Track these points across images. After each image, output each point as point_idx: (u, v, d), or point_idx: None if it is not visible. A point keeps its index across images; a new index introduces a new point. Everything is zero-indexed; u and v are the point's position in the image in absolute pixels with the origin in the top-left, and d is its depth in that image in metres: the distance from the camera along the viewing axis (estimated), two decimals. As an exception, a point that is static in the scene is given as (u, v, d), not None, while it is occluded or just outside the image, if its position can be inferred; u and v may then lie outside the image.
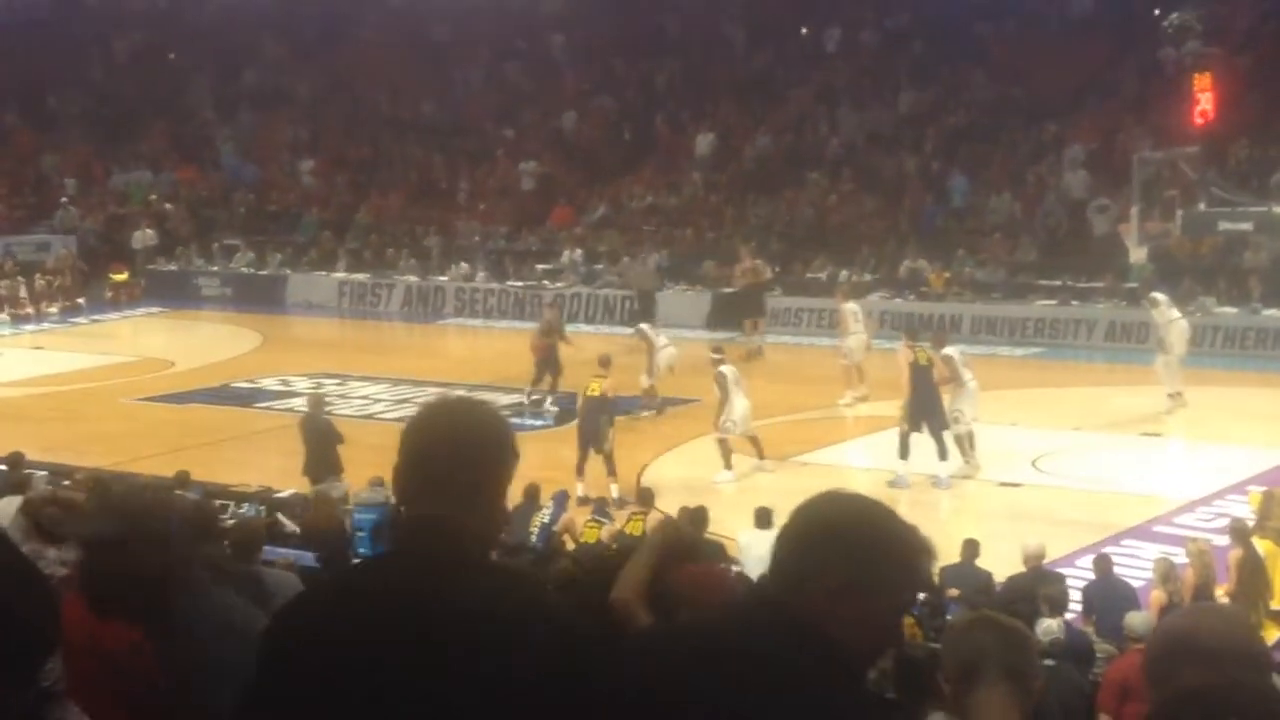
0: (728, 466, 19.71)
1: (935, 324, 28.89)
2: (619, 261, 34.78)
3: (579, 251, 36.15)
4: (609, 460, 19.10)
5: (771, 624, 2.91)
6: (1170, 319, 22.84)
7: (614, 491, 18.55)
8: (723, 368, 20.42)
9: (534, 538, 15.92)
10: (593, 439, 19.19)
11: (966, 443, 19.67)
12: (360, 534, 16.37)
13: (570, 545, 15.80)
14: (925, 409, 19.38)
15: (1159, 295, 23.49)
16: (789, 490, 18.44)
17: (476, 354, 32.17)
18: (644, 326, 25.02)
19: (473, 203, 40.58)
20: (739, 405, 19.95)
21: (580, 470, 19.01)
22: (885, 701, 3.13)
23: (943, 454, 19.31)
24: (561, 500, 16.82)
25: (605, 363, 20.49)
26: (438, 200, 41.22)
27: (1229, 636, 3.30)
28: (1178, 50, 35.12)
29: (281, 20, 47.41)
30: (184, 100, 46.89)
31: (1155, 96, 32.82)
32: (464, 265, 36.92)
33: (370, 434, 20.54)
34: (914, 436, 19.40)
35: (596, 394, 19.56)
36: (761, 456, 20.09)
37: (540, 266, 36.45)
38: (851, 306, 25.09)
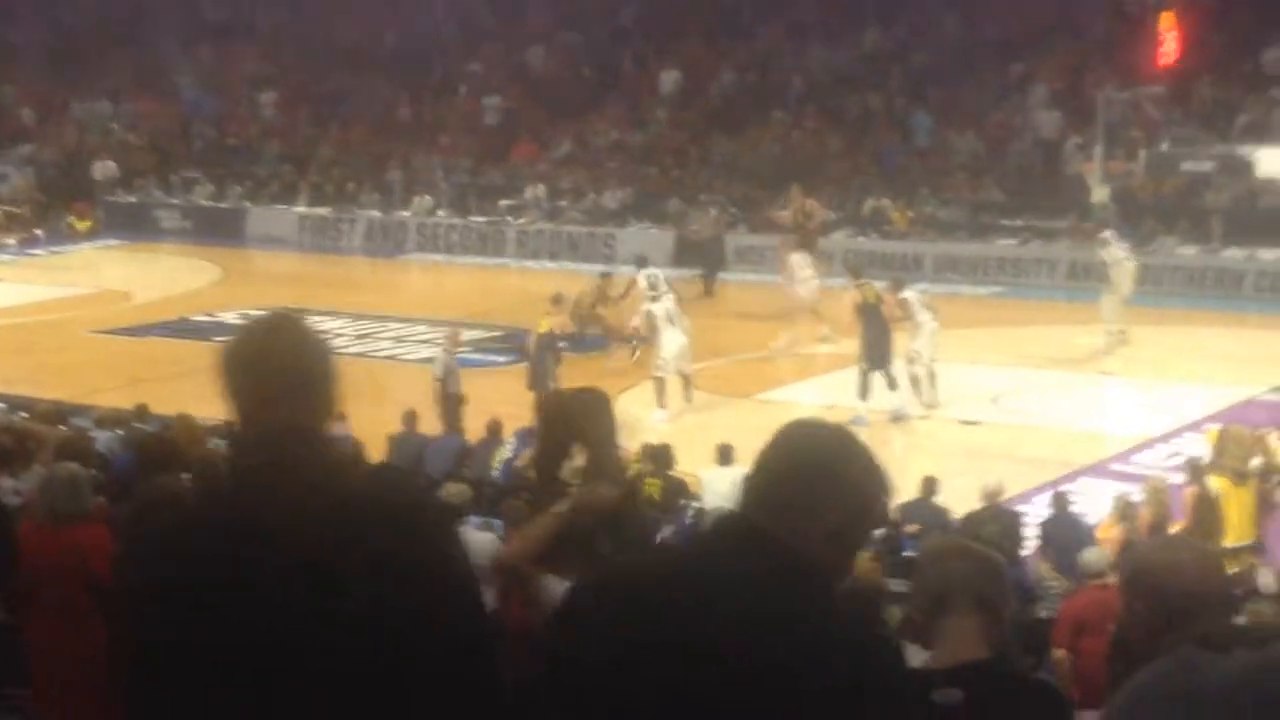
0: (661, 405, 19.69)
1: (898, 263, 29.00)
2: (676, 212, 33.38)
3: (542, 187, 36.02)
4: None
5: (789, 570, 2.87)
6: (1117, 258, 22.93)
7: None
8: (652, 306, 20.48)
9: (496, 473, 15.93)
10: (539, 377, 19.28)
11: (926, 381, 19.75)
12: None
13: (534, 478, 15.79)
14: (877, 345, 19.46)
15: (1108, 234, 23.58)
16: (751, 427, 18.49)
17: (439, 289, 32.07)
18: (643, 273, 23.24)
19: (435, 137, 40.34)
20: (670, 343, 19.95)
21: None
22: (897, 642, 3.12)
23: (892, 385, 19.44)
24: (524, 437, 16.80)
25: (557, 299, 20.67)
26: (400, 134, 40.94)
27: (1203, 579, 3.35)
28: (1144, -10, 35.17)
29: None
30: (144, 32, 46.35)
31: (1121, 36, 32.80)
32: (427, 199, 36.75)
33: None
34: (873, 375, 19.47)
35: (544, 330, 19.73)
36: (688, 399, 20.06)
37: (503, 202, 36.32)
38: (798, 257, 25.06)
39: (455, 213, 36.39)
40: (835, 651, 2.75)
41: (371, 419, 17.55)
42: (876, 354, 19.45)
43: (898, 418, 19.40)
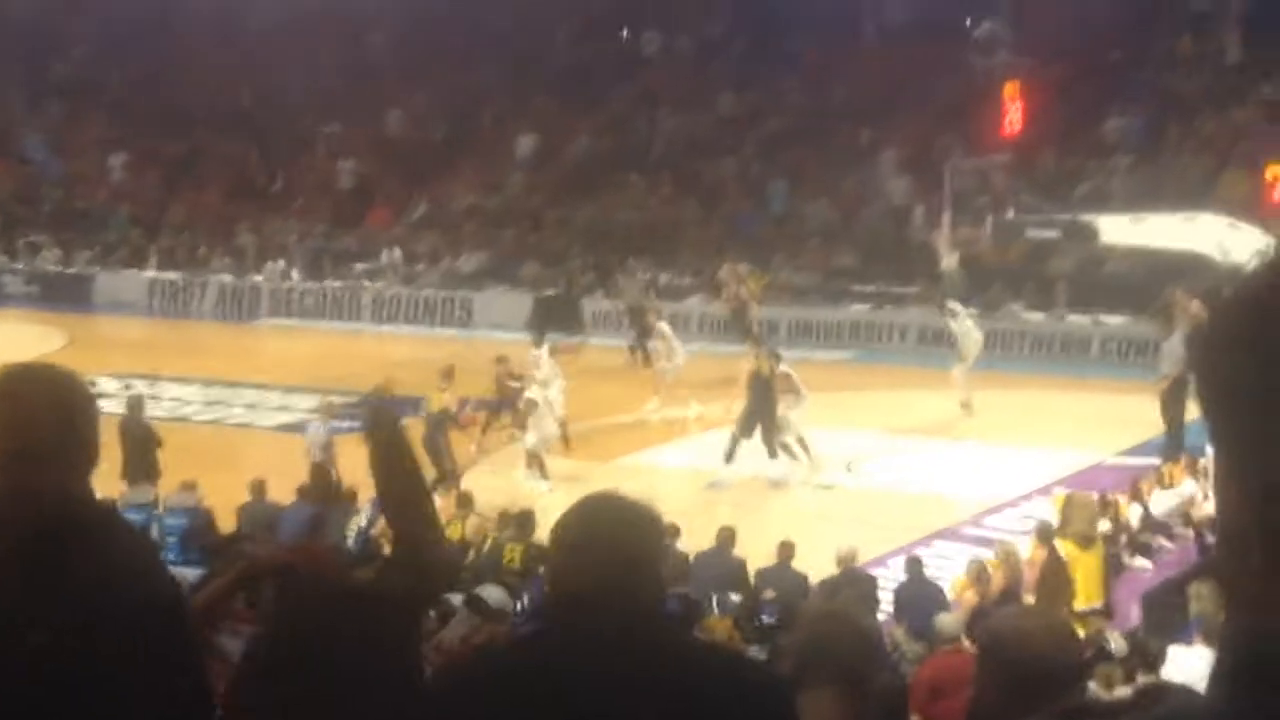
0: (545, 477, 19.66)
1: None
2: (606, 276, 32.69)
3: (398, 251, 35.85)
4: (448, 480, 18.41)
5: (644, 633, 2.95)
6: (965, 329, 23.29)
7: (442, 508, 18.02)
8: (542, 388, 20.25)
9: (350, 541, 15.73)
10: (434, 456, 18.45)
11: (799, 446, 19.93)
12: (170, 539, 16.04)
13: (388, 549, 15.61)
14: (759, 416, 19.59)
15: (955, 304, 23.94)
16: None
17: (292, 355, 31.68)
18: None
19: (289, 201, 40.00)
20: (552, 425, 19.99)
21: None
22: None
23: (772, 454, 19.59)
24: (379, 505, 16.59)
25: (447, 374, 20.02)
26: (253, 198, 40.54)
27: (1054, 649, 3.39)
28: (988, 59, 35.99)
29: (94, 10, 46.20)
30: (-11, 91, 45.51)
31: (967, 105, 33.51)
32: (280, 264, 36.37)
33: (181, 436, 20.17)
34: (744, 442, 19.58)
35: (435, 409, 19.20)
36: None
37: (359, 266, 36.07)
38: (664, 327, 25.15)
39: (309, 277, 36.05)
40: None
41: (221, 487, 17.29)
42: (756, 423, 19.57)
43: (779, 484, 19.52)
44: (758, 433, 19.63)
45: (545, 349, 21.46)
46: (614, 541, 3.02)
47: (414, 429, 20.59)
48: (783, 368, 20.31)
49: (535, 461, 19.75)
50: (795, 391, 20.05)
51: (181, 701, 2.95)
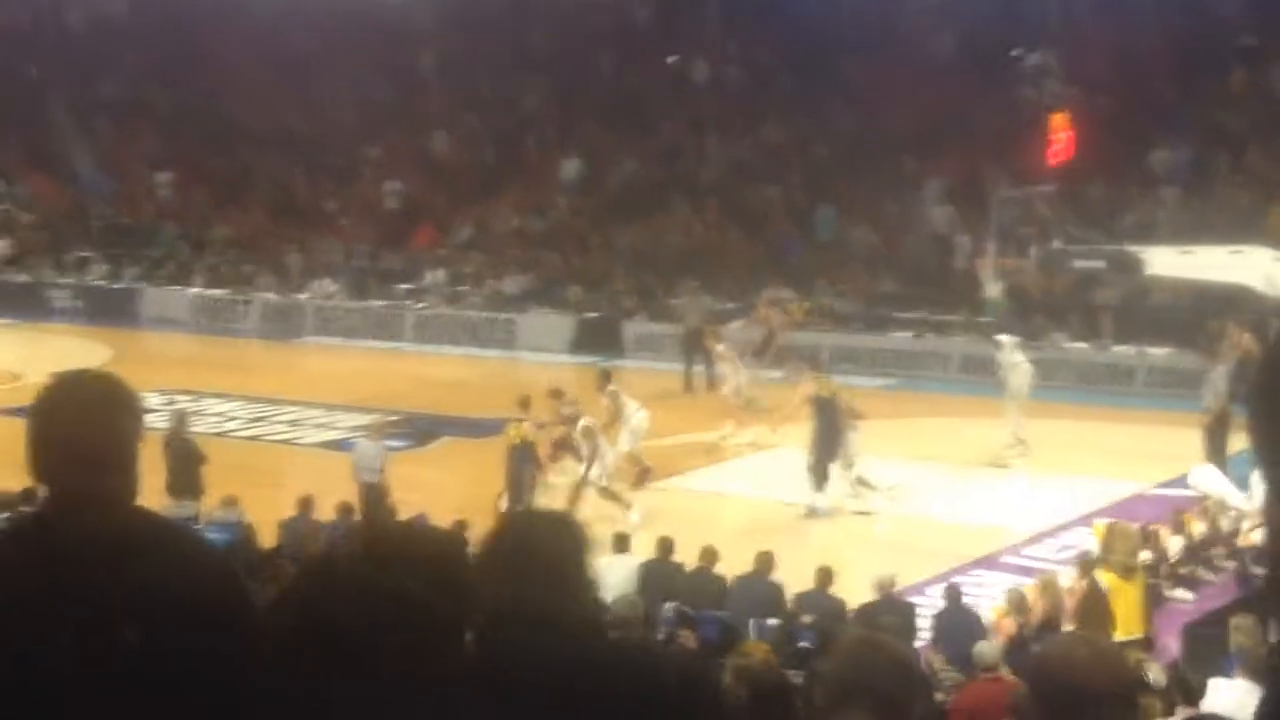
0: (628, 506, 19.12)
1: (795, 353, 29.23)
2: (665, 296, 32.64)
3: (442, 272, 35.99)
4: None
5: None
6: (1014, 362, 23.05)
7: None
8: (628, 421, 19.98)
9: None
10: (517, 492, 18.17)
11: (868, 476, 19.81)
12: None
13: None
14: (826, 439, 19.43)
15: (1004, 338, 23.74)
16: (650, 514, 18.56)
17: (334, 373, 31.82)
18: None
19: (335, 220, 40.22)
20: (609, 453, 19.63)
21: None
22: None
23: (820, 485, 19.43)
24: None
25: (525, 404, 19.50)
26: (299, 217, 40.77)
27: (1101, 679, 3.37)
28: (1036, 90, 35.89)
29: (142, 31, 46.64)
30: (39, 110, 45.91)
31: (1014, 135, 33.42)
32: (325, 282, 36.56)
33: (223, 452, 20.27)
34: (827, 465, 19.41)
35: (518, 442, 18.64)
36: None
37: (403, 286, 36.22)
38: (723, 348, 25.10)
39: (354, 296, 36.22)
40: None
41: (264, 502, 17.39)
42: (827, 447, 19.40)
43: (816, 513, 19.38)
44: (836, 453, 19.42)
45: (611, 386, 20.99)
46: (533, 554, 3.05)
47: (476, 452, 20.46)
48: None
49: (607, 494, 19.11)
50: (855, 415, 19.96)
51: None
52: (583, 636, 3.06)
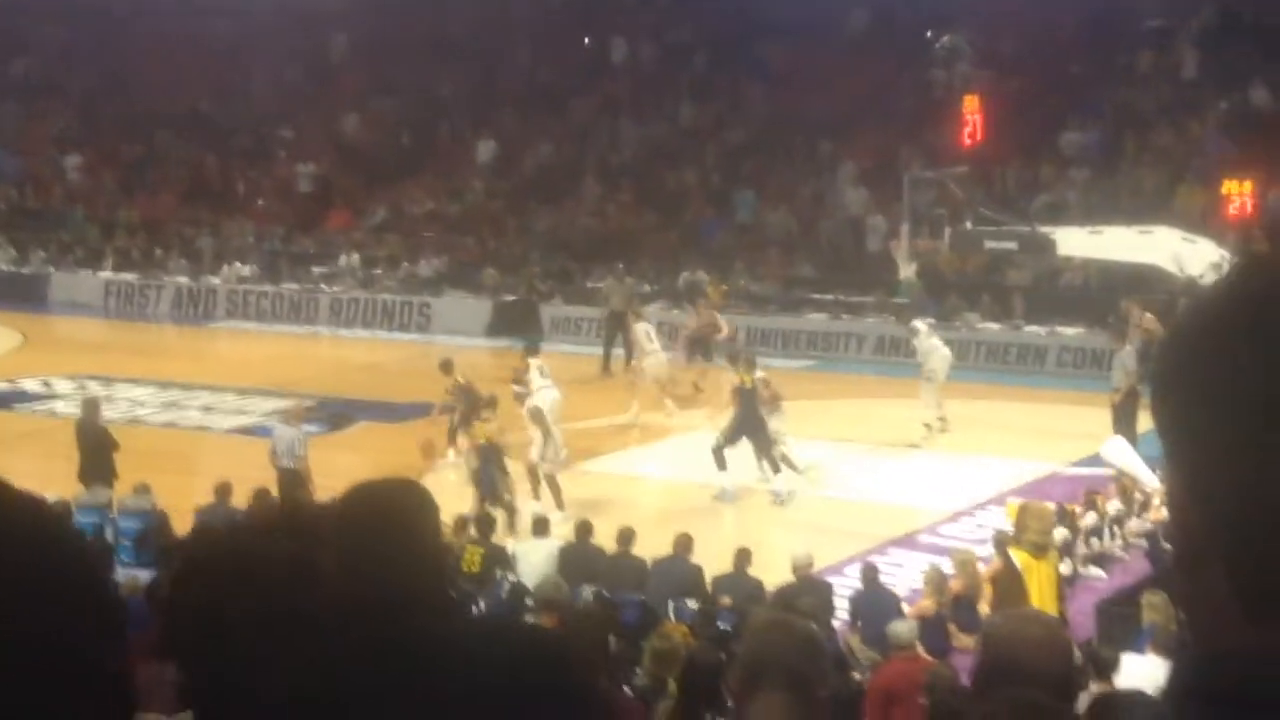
0: (537, 497, 18.74)
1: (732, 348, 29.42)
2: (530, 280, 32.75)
3: (356, 256, 35.76)
4: (510, 513, 17.69)
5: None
6: (932, 346, 23.19)
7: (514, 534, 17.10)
8: (540, 398, 19.54)
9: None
10: (489, 492, 17.83)
11: (792, 457, 19.90)
12: (125, 542, 15.96)
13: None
14: (747, 429, 19.54)
15: (919, 324, 23.84)
16: (570, 499, 18.55)
17: (248, 357, 31.53)
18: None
19: (248, 203, 39.86)
20: (557, 436, 19.43)
21: (511, 524, 17.53)
22: None
23: (775, 468, 19.56)
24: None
25: (491, 404, 19.12)
26: (211, 200, 40.37)
27: (1050, 658, 3.41)
28: (949, 72, 36.16)
29: (53, 11, 45.92)
30: (-55, 90, 45.17)
31: (928, 117, 33.68)
32: (238, 266, 36.22)
33: (136, 439, 20.04)
34: (729, 450, 19.48)
35: (484, 441, 18.23)
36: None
37: (317, 270, 35.95)
38: (644, 326, 25.09)
39: (267, 280, 35.91)
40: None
41: (178, 489, 17.22)
42: (742, 434, 19.51)
43: (780, 500, 19.41)
44: (741, 442, 19.54)
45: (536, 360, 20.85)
46: (373, 529, 2.85)
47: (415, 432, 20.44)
48: (759, 374, 20.24)
49: (550, 480, 18.83)
50: (777, 399, 20.04)
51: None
52: (444, 616, 2.92)
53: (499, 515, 17.05)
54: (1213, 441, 1.16)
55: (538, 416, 19.22)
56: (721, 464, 19.38)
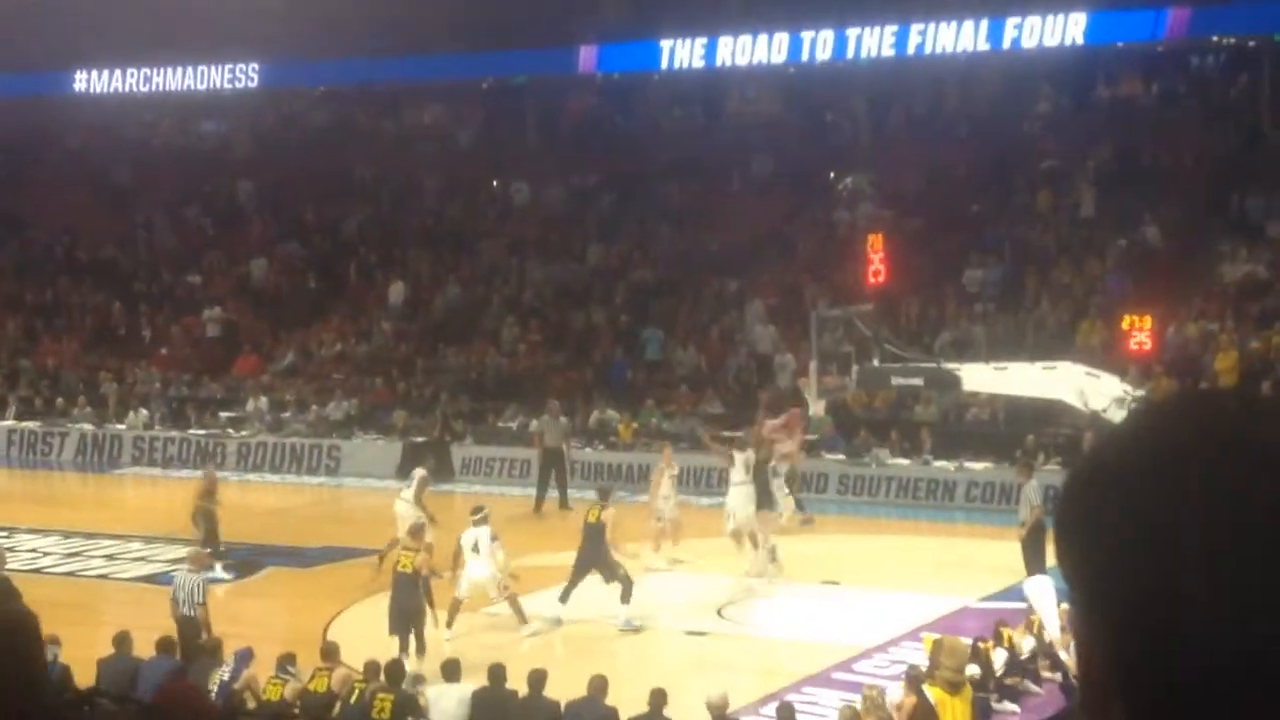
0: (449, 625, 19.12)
1: (624, 473, 29.42)
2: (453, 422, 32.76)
3: (265, 399, 35.51)
4: (420, 638, 18.08)
5: None
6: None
7: (421, 667, 17.16)
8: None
9: (213, 695, 15.36)
10: (413, 617, 18.11)
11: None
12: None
13: (252, 703, 15.31)
14: (591, 562, 19.87)
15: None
16: (479, 642, 18.35)
17: (153, 504, 31.10)
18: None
19: (153, 349, 39.56)
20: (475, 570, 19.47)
21: (405, 650, 17.77)
22: None
23: (625, 596, 19.72)
24: (244, 657, 16.29)
25: (416, 533, 19.29)
26: (116, 347, 40.05)
27: None
28: (852, 213, 36.79)
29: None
30: None
31: (832, 255, 34.16)
32: (143, 413, 35.84)
33: (38, 588, 19.62)
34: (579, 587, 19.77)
35: (409, 570, 18.35)
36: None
37: (224, 414, 35.64)
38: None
39: (173, 425, 35.54)
40: None
41: (81, 640, 16.85)
42: (588, 567, 19.88)
43: (633, 628, 19.48)
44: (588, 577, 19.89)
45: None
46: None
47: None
48: (609, 510, 20.28)
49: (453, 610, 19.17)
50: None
51: None
52: None
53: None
54: (1115, 582, 1.18)
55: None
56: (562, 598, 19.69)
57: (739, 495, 22.20)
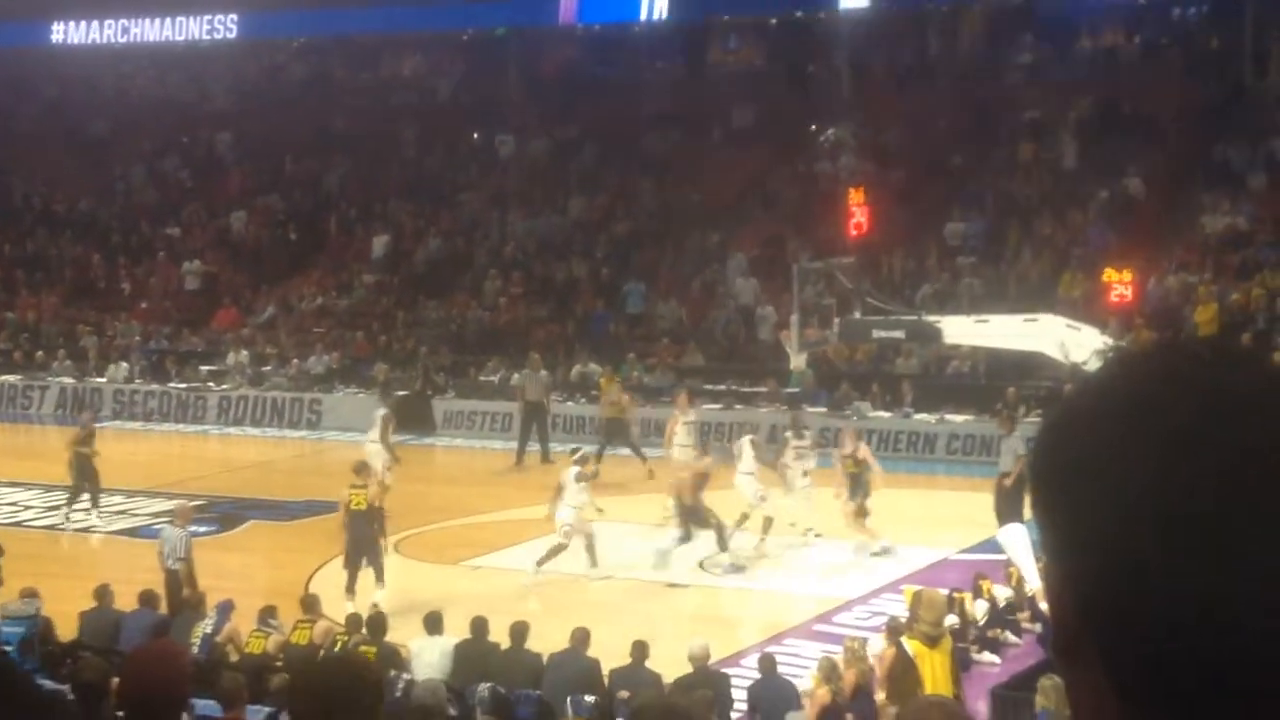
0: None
1: (605, 426, 29.42)
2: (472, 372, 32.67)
3: (245, 353, 35.41)
4: (378, 570, 18.58)
5: None
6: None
7: (382, 601, 17.95)
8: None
9: (196, 648, 15.37)
10: (368, 552, 18.54)
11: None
12: (8, 647, 15.56)
13: (235, 656, 15.33)
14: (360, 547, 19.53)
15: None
16: (461, 594, 18.41)
17: (133, 458, 31.02)
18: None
19: (133, 302, 39.42)
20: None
21: (351, 589, 18.25)
22: None
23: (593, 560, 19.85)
24: (225, 609, 16.32)
25: (361, 470, 19.69)
26: (96, 300, 39.90)
27: None
28: (834, 165, 36.72)
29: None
30: None
31: (814, 208, 34.12)
32: (123, 366, 35.73)
33: (20, 542, 19.61)
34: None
35: (363, 507, 18.69)
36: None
37: (204, 368, 35.55)
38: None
39: (153, 379, 35.44)
40: None
41: (63, 593, 16.86)
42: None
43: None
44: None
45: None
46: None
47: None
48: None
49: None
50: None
51: None
52: None
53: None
54: (1088, 531, 1.18)
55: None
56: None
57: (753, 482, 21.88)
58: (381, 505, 19.09)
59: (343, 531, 18.74)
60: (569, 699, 13.96)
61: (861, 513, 21.04)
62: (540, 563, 19.65)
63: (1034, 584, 16.57)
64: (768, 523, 20.94)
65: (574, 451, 21.63)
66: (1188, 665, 1.13)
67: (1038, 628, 16.87)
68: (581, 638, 14.81)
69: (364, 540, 18.54)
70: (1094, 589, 1.17)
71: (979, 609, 17.01)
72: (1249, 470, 1.14)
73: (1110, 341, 21.05)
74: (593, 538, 20.04)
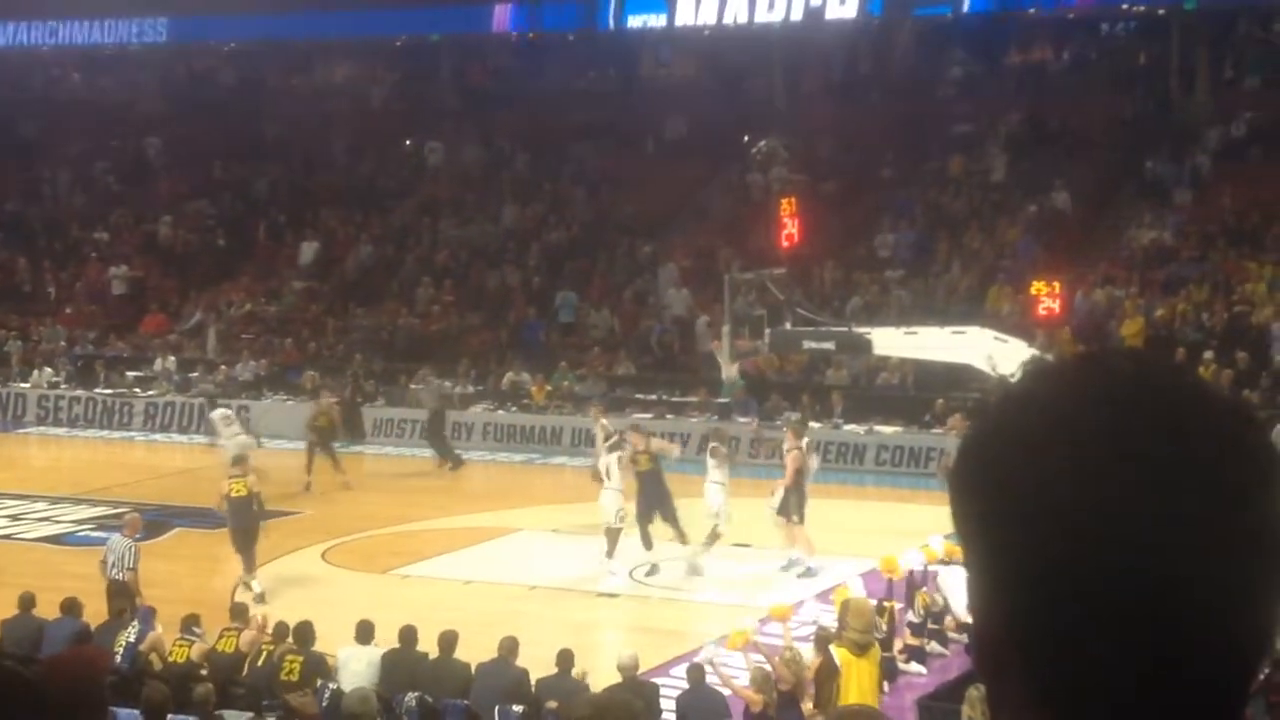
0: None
1: (537, 435, 29.43)
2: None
3: (172, 359, 35.08)
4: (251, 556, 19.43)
5: None
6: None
7: (255, 586, 19.04)
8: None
9: (119, 658, 15.20)
10: (254, 535, 19.46)
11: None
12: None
13: (158, 664, 15.17)
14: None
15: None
16: (390, 603, 18.31)
17: (58, 464, 30.73)
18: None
19: (59, 307, 38.98)
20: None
21: (250, 568, 19.27)
22: None
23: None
24: (147, 617, 16.15)
25: (239, 461, 20.61)
26: (21, 303, 39.42)
27: None
28: (765, 175, 36.84)
29: None
30: None
31: (746, 219, 34.20)
32: (48, 371, 35.31)
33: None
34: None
35: (244, 493, 19.61)
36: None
37: (131, 374, 35.18)
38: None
39: (79, 384, 35.04)
40: None
41: (-17, 602, 16.64)
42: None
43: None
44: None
45: None
46: None
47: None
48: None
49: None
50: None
51: None
52: None
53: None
54: (1008, 542, 1.18)
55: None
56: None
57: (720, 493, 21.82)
58: (258, 492, 19.86)
59: (227, 518, 19.70)
60: (496, 709, 13.92)
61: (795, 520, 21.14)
62: (706, 545, 20.42)
63: (961, 595, 16.66)
64: (714, 537, 20.93)
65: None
66: (1110, 671, 1.14)
67: (964, 638, 16.96)
68: (510, 647, 14.78)
69: (248, 526, 19.50)
70: (1015, 599, 1.17)
71: (906, 619, 17.09)
72: (1163, 479, 1.15)
73: (1037, 354, 21.23)
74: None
